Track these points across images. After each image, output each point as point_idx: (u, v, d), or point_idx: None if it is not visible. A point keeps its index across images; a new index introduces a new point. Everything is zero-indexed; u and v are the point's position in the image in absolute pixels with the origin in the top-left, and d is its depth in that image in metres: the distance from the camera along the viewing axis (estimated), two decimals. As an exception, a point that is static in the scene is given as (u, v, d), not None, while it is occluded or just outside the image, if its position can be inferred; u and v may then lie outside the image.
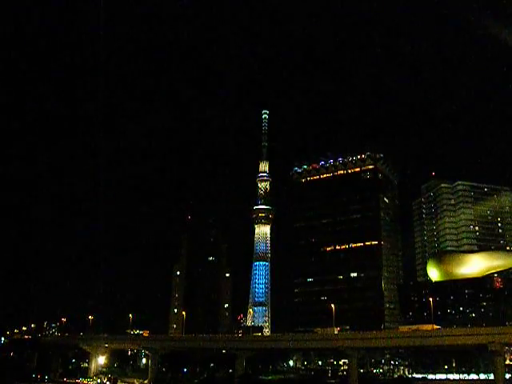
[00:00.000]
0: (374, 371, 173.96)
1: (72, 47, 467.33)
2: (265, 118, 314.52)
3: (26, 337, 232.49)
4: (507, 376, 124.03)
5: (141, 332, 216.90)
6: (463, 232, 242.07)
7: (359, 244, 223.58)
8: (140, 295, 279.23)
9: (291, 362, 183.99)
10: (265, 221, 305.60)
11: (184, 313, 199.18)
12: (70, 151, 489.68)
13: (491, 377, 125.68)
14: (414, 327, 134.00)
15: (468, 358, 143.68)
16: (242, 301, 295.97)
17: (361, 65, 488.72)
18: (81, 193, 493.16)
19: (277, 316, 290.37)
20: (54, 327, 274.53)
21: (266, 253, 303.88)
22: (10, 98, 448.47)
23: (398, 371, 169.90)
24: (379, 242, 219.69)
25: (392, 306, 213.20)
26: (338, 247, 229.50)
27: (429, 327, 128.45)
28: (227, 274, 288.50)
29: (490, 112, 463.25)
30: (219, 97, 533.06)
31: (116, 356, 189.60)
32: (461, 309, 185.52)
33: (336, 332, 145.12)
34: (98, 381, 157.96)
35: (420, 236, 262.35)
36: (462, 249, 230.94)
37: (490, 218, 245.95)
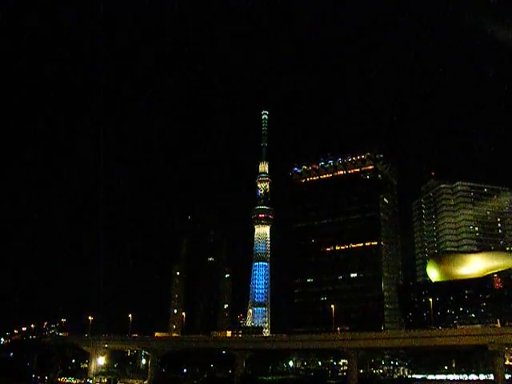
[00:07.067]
0: (374, 372, 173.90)
1: (73, 48, 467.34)
2: (265, 118, 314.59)
3: (26, 337, 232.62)
4: (507, 376, 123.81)
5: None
6: (463, 232, 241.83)
7: (359, 244, 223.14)
8: (140, 295, 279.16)
9: (291, 363, 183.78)
10: (265, 221, 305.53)
11: (184, 313, 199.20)
12: (70, 150, 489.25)
13: (491, 377, 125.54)
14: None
15: (468, 359, 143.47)
16: (241, 301, 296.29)
17: (361, 65, 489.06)
18: (81, 193, 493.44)
19: (276, 316, 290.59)
20: (53, 327, 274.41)
21: (266, 253, 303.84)
22: (10, 99, 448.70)
23: (397, 372, 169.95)
24: (379, 243, 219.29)
25: (392, 307, 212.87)
26: (337, 247, 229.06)
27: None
28: (227, 275, 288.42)
29: (490, 112, 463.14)
30: (219, 97, 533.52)
31: (116, 356, 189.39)
32: (461, 309, 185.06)
33: (229, 334, 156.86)
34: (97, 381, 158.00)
35: (420, 236, 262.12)
36: (461, 249, 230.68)
37: (489, 218, 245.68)
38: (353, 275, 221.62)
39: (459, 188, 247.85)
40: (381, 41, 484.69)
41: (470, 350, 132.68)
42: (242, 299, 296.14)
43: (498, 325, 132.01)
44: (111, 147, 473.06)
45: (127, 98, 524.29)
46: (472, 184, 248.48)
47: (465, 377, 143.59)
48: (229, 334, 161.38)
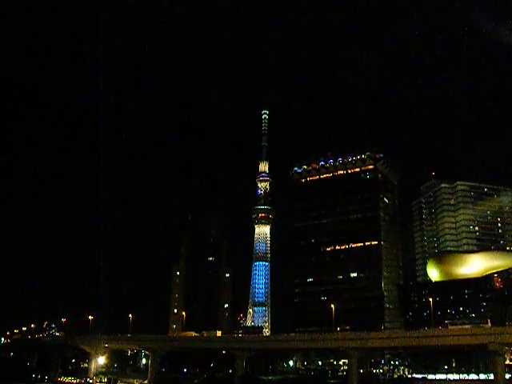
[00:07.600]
0: (374, 371, 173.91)
1: (73, 48, 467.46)
2: (265, 118, 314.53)
3: (26, 337, 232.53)
4: (507, 376, 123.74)
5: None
6: (463, 232, 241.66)
7: (359, 244, 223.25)
8: (140, 295, 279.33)
9: (291, 362, 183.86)
10: (265, 221, 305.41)
11: (184, 313, 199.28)
12: (70, 149, 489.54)
13: (491, 377, 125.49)
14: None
15: (468, 358, 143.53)
16: (241, 301, 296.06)
17: (361, 64, 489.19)
18: (81, 193, 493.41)
19: (277, 316, 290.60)
20: (53, 327, 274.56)
21: (266, 253, 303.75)
22: (10, 99, 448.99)
23: (397, 371, 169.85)
24: (379, 242, 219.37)
25: (392, 306, 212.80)
26: (337, 247, 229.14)
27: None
28: (227, 274, 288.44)
29: (490, 112, 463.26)
30: (219, 97, 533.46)
31: (116, 356, 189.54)
32: (461, 309, 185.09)
33: (219, 334, 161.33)
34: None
35: (420, 236, 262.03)
36: (461, 249, 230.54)
37: (489, 218, 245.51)
38: (353, 275, 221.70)
39: (459, 188, 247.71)
40: (381, 40, 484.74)
41: (470, 350, 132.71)
42: (242, 299, 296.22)
43: (489, 325, 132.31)
44: (111, 147, 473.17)
45: (127, 97, 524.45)
46: (472, 184, 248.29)
47: (465, 376, 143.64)
48: (219, 333, 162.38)
